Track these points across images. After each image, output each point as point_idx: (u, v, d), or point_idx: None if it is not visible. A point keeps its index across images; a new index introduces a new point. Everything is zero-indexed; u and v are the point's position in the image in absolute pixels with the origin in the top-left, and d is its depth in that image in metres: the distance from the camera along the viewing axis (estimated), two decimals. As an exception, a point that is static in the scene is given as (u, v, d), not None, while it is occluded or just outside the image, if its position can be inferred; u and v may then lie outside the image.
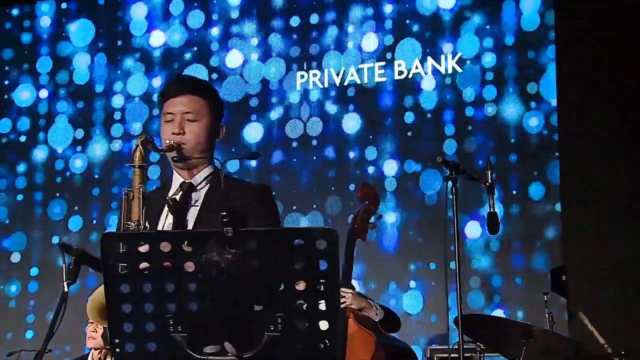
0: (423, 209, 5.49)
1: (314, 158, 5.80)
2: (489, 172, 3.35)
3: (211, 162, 2.81)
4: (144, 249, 1.93)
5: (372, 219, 3.97)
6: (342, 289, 3.72)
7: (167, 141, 2.71)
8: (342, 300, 3.70)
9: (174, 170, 2.82)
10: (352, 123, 5.76)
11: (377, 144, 5.67)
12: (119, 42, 6.36)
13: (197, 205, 2.72)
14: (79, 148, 6.29)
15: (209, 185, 2.77)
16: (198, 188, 2.76)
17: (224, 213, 1.92)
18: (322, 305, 1.90)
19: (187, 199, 2.72)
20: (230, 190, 2.68)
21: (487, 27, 5.54)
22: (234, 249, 1.90)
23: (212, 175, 2.79)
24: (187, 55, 6.21)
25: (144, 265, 1.94)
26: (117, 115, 6.28)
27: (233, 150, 5.86)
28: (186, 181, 2.77)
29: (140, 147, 2.63)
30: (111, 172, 6.20)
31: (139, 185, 2.60)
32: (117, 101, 6.30)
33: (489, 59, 5.51)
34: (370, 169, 5.66)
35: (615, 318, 4.50)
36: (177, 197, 2.71)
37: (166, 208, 2.69)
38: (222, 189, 2.61)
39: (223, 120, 2.86)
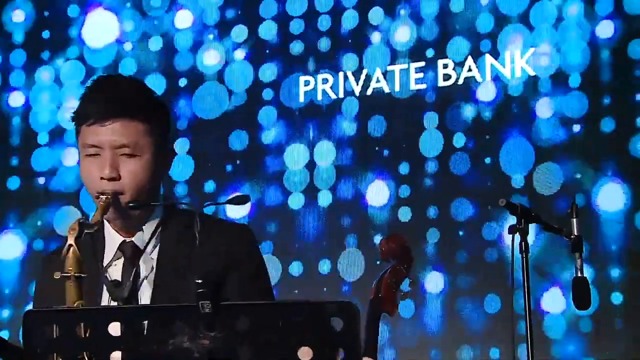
0: (479, 271, 5.48)
1: (324, 198, 5.81)
2: (575, 219, 3.35)
3: (158, 200, 2.74)
4: (85, 332, 1.94)
5: (403, 286, 3.96)
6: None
7: (97, 193, 2.61)
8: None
9: (105, 224, 2.73)
10: (377, 148, 5.78)
11: (412, 178, 5.68)
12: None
13: (149, 276, 2.68)
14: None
15: (160, 242, 2.72)
16: (146, 251, 2.70)
17: (200, 281, 1.92)
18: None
19: (133, 270, 2.67)
20: (202, 242, 2.62)
21: (571, 11, 5.56)
22: (214, 331, 1.91)
23: (162, 225, 2.73)
24: (141, 53, 6.27)
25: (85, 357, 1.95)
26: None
27: (208, 185, 5.89)
28: (127, 240, 2.71)
29: (75, 247, 2.49)
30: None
31: (77, 302, 2.47)
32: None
33: (574, 57, 5.52)
34: (403, 214, 5.67)
35: None
36: (119, 272, 2.65)
37: (104, 291, 2.64)
38: (196, 248, 2.58)
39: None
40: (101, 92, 2.70)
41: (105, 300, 2.65)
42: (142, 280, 2.68)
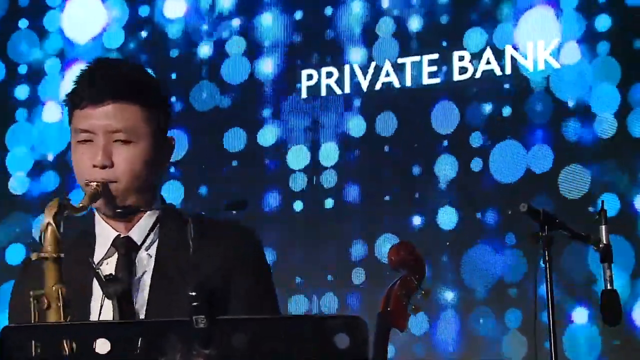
0: (498, 283, 5.48)
1: (328, 202, 5.82)
2: (604, 226, 3.35)
3: (156, 198, 2.76)
4: (68, 350, 1.95)
5: (414, 298, 3.96)
6: None
7: (87, 181, 2.61)
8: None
9: (97, 217, 2.75)
10: (386, 148, 5.79)
11: (426, 181, 5.69)
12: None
13: (145, 275, 2.69)
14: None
15: (158, 238, 2.72)
16: (143, 247, 2.71)
17: (193, 292, 1.93)
18: None
19: (129, 266, 2.67)
20: (199, 245, 2.62)
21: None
22: (210, 348, 1.92)
23: (162, 220, 2.74)
24: (131, 45, 6.28)
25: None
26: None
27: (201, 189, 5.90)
28: (121, 235, 2.71)
29: (53, 225, 2.51)
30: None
31: (56, 286, 2.48)
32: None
33: (603, 47, 5.51)
34: (416, 220, 5.68)
35: None
36: (112, 270, 2.64)
37: (95, 285, 2.64)
38: (190, 257, 2.58)
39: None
40: (96, 74, 2.70)
41: (97, 302, 2.64)
42: (139, 279, 2.68)
